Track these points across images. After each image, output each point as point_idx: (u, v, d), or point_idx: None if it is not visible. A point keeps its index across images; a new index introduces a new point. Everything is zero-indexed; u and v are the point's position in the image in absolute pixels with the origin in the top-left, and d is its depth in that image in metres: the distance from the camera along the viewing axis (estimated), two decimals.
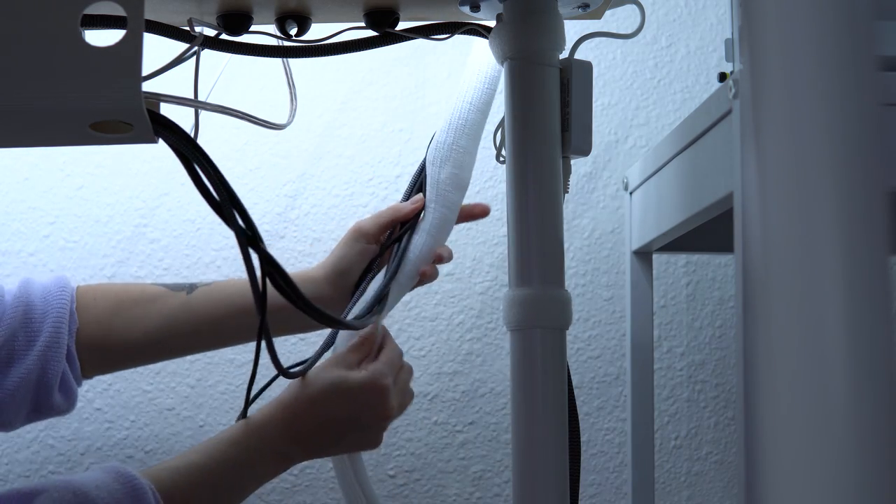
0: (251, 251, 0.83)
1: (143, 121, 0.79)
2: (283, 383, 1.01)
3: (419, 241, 1.12)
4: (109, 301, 1.13)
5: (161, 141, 0.82)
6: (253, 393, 1.01)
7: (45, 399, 1.07)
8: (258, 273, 0.83)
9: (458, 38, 1.10)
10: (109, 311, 1.12)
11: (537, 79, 1.00)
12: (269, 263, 0.83)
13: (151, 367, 1.42)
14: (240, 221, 0.83)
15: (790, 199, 0.40)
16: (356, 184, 1.46)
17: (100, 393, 1.42)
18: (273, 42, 1.08)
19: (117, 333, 1.12)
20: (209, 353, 1.42)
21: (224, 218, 0.82)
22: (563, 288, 1.00)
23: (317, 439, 1.00)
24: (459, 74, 1.47)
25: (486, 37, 1.05)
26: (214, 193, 0.84)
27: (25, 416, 1.08)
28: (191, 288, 1.15)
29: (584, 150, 1.03)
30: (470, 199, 1.46)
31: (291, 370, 0.97)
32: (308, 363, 1.02)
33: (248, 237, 0.83)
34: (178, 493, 0.91)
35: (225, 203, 0.83)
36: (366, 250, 1.14)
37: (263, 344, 0.85)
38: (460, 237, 1.46)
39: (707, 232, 1.23)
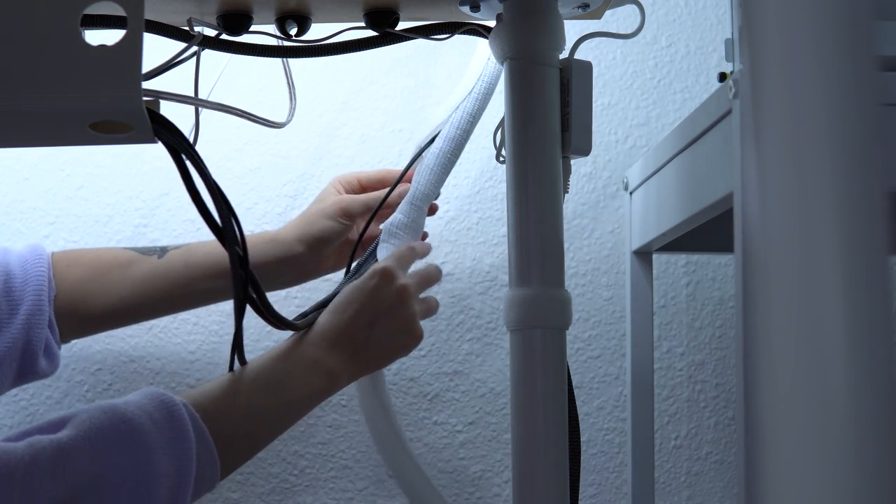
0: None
1: (142, 121, 0.79)
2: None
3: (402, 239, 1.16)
4: (83, 268, 1.16)
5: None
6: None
7: (31, 365, 1.11)
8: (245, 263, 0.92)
9: (458, 38, 1.10)
10: (84, 278, 1.16)
11: (537, 79, 1.00)
12: (241, 263, 0.90)
13: (151, 366, 1.42)
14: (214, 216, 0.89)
15: (790, 199, 0.40)
16: None
17: (100, 393, 1.42)
18: (273, 42, 1.08)
19: (93, 299, 1.15)
20: (210, 353, 1.42)
21: (201, 212, 0.87)
22: (563, 288, 1.00)
23: (348, 339, 1.00)
24: (459, 74, 1.46)
25: (486, 37, 1.05)
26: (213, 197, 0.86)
27: (11, 381, 1.11)
28: (161, 251, 1.19)
29: (584, 150, 1.03)
30: (470, 198, 1.46)
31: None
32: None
33: (229, 236, 0.88)
34: (212, 405, 0.91)
35: (221, 208, 0.88)
36: (346, 230, 1.21)
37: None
38: (460, 237, 1.46)
39: (707, 232, 1.23)
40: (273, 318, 0.96)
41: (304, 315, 1.07)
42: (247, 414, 0.94)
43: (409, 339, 1.05)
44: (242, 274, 0.90)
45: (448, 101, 1.19)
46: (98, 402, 0.88)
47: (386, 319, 1.02)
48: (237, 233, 0.90)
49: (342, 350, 1.00)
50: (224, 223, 0.88)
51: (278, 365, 0.98)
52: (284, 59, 1.15)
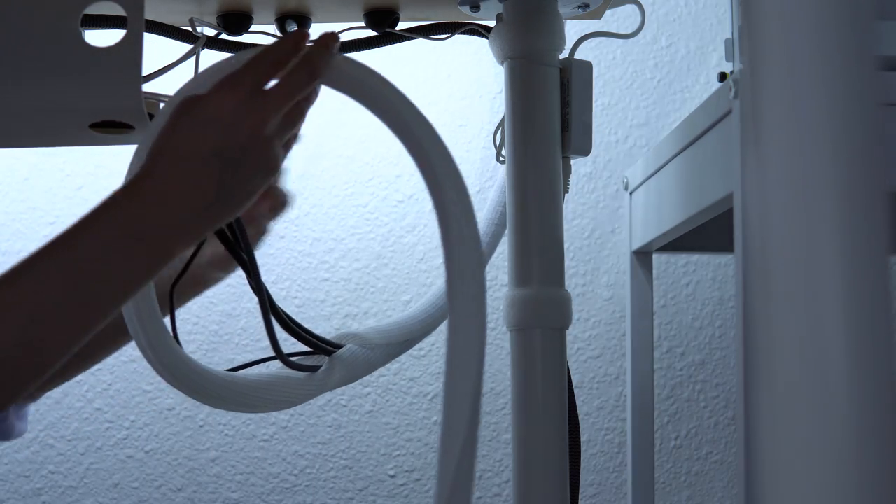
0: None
1: (143, 121, 0.79)
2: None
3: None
4: None
5: None
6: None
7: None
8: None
9: (458, 38, 1.10)
10: None
11: (537, 79, 1.00)
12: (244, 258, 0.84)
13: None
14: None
15: (790, 198, 0.40)
16: (356, 184, 1.46)
17: (100, 393, 1.42)
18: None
19: None
20: (210, 353, 1.42)
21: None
22: (563, 288, 1.00)
23: (147, 184, 0.73)
24: (459, 74, 1.47)
25: (486, 37, 1.06)
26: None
27: None
28: None
29: (584, 150, 1.03)
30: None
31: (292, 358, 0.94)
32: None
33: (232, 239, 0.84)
34: None
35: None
36: None
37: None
38: None
39: (707, 232, 1.23)
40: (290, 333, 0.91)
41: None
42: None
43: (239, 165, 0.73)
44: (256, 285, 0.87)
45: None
46: None
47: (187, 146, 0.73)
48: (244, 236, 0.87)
49: (138, 195, 0.74)
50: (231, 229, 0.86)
51: (60, 237, 0.72)
52: None
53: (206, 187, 0.71)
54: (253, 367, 0.96)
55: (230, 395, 0.88)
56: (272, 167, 0.75)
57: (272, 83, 0.75)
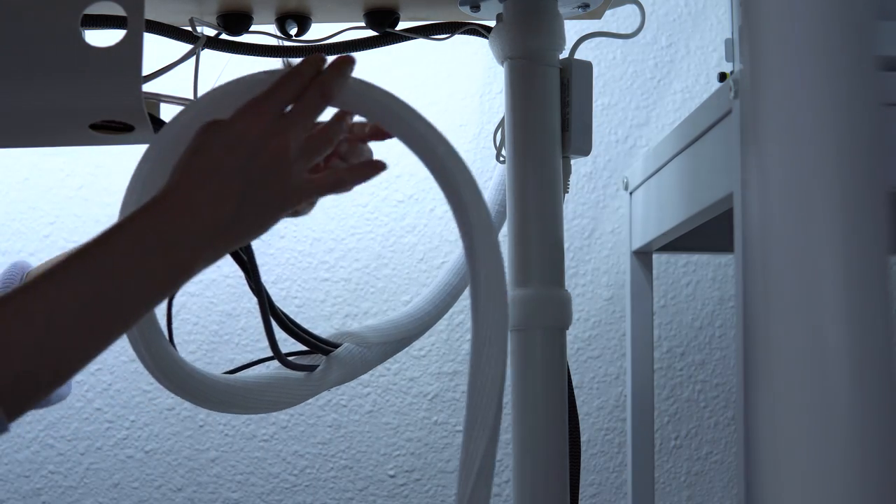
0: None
1: (143, 121, 0.79)
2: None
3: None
4: None
5: None
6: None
7: None
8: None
9: (458, 38, 1.10)
10: None
11: (537, 79, 1.00)
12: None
13: None
14: None
15: (790, 199, 0.40)
16: None
17: (100, 393, 1.42)
18: (273, 42, 1.08)
19: None
20: (210, 353, 1.42)
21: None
22: (563, 288, 1.00)
23: (172, 197, 0.75)
24: (459, 74, 1.47)
25: (486, 37, 1.06)
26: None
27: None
28: None
29: (584, 150, 1.03)
30: None
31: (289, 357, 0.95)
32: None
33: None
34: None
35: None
36: None
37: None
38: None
39: (707, 232, 1.23)
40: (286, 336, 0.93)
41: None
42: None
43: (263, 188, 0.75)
44: (255, 285, 0.88)
45: None
46: None
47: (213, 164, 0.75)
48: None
49: (167, 214, 0.75)
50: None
51: (87, 248, 0.72)
52: (284, 59, 1.15)
53: (228, 204, 0.73)
54: (252, 368, 0.96)
55: (228, 398, 0.88)
56: (291, 191, 0.76)
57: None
